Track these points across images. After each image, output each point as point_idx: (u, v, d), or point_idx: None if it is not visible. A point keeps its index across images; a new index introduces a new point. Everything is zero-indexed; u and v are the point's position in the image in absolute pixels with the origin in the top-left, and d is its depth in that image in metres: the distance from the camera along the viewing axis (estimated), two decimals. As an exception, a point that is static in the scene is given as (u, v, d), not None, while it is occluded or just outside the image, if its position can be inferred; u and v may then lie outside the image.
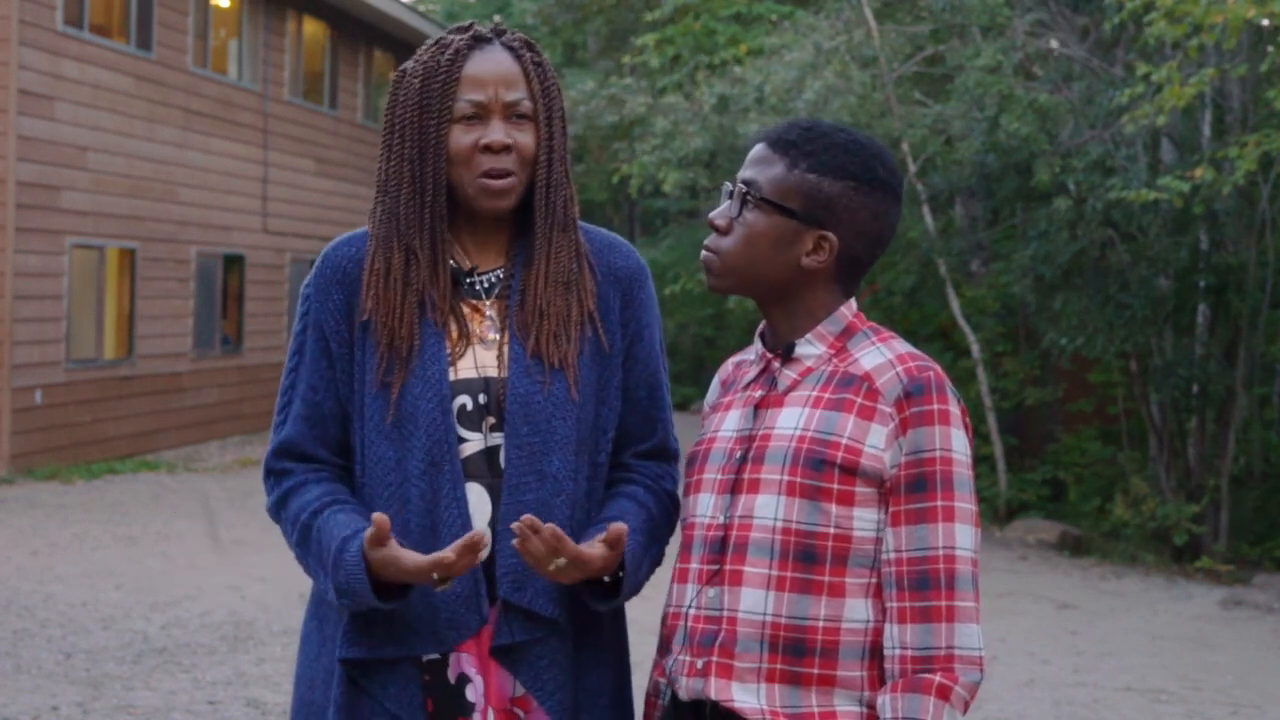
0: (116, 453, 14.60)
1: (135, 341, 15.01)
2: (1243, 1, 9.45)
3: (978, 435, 15.13)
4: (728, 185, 2.26)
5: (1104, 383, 15.10)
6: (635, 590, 2.28)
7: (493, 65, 2.27)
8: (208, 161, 16.29)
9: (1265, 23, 11.57)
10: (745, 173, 2.22)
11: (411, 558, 2.11)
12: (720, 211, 2.23)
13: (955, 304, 14.48)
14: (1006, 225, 15.36)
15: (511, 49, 2.30)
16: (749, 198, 2.19)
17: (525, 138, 2.27)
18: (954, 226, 16.07)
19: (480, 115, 2.25)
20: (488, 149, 2.24)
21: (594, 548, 2.15)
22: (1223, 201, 11.57)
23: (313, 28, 18.74)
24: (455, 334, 2.28)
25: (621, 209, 27.49)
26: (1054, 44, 13.47)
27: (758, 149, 2.23)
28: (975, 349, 14.44)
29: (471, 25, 2.35)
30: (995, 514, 14.12)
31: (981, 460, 15.16)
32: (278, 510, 2.32)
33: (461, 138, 2.25)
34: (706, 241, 2.24)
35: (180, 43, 15.67)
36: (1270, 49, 11.21)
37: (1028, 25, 13.43)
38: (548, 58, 2.37)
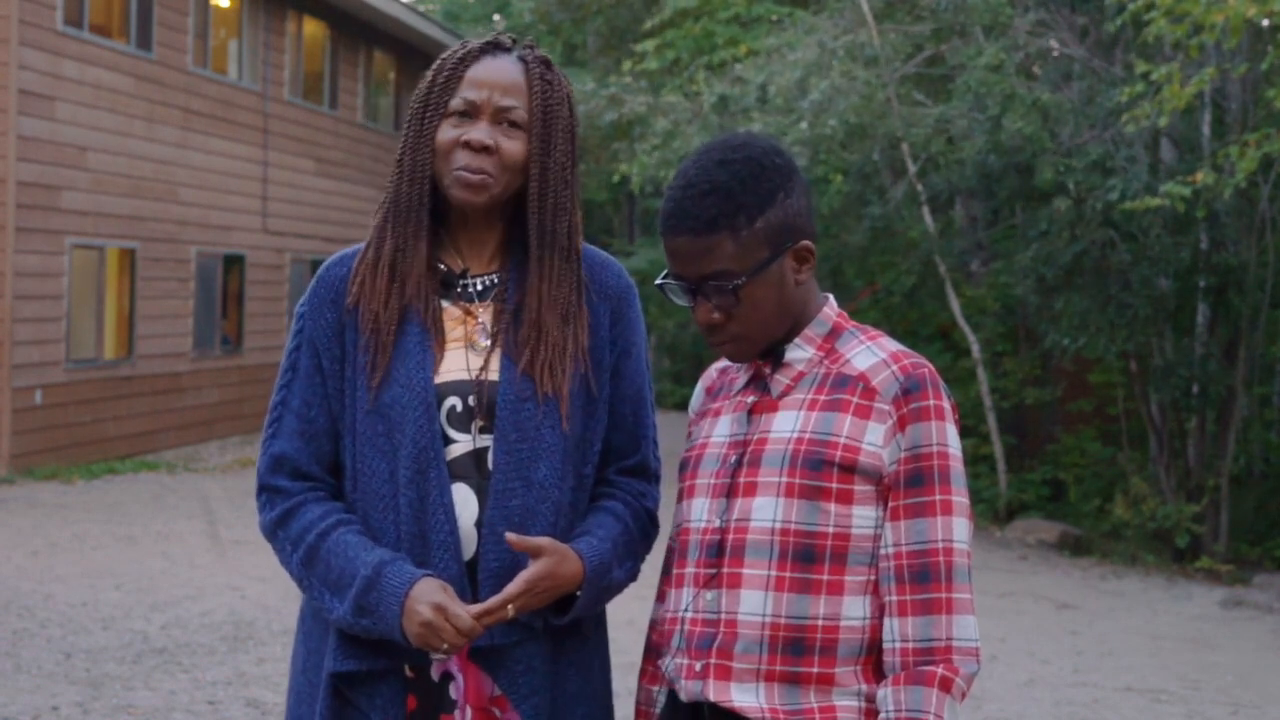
0: (116, 453, 14.60)
1: (135, 341, 15.01)
2: (1243, 1, 9.43)
3: (978, 435, 15.13)
4: (675, 287, 2.21)
5: (1104, 383, 15.10)
6: (598, 599, 2.28)
7: (495, 71, 2.30)
8: (208, 161, 16.29)
9: (1265, 22, 11.57)
10: (699, 269, 2.17)
11: (464, 620, 2.12)
12: (705, 312, 2.19)
13: (955, 304, 14.46)
14: (1006, 225, 15.35)
15: (524, 60, 2.33)
16: (735, 286, 2.16)
17: (512, 145, 2.28)
18: (954, 226, 16.06)
19: (470, 114, 2.28)
20: (466, 145, 2.26)
21: (529, 569, 2.18)
22: (1223, 202, 11.57)
23: (313, 28, 18.74)
24: (444, 336, 2.30)
25: (621, 209, 27.39)
26: (1054, 44, 13.46)
27: (688, 243, 2.17)
28: (975, 349, 14.43)
29: (495, 36, 2.40)
30: (995, 514, 14.09)
31: (981, 460, 15.14)
32: (275, 529, 2.31)
33: (447, 131, 2.29)
34: (711, 340, 2.22)
35: (180, 43, 15.67)
36: (1270, 48, 11.20)
37: (1028, 25, 13.42)
38: (564, 78, 2.37)
